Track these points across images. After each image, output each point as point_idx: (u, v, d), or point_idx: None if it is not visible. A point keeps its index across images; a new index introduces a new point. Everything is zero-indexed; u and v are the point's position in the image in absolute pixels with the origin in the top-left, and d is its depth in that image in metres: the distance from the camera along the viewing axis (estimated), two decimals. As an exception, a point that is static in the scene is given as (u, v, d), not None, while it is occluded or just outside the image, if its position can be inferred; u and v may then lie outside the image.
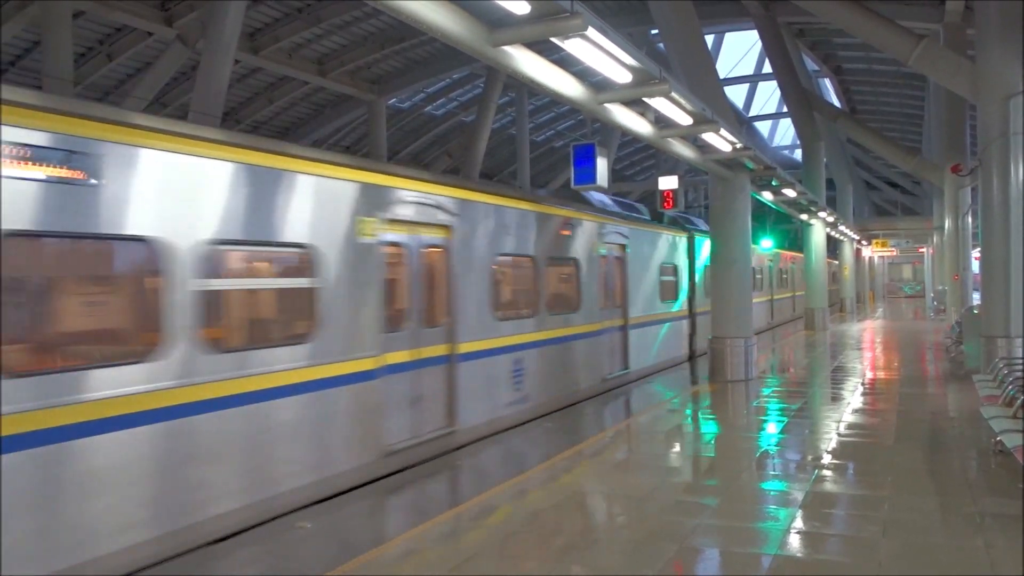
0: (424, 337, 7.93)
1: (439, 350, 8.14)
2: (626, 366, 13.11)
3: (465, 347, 8.49)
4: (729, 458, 8.04)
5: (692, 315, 16.85)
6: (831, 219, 25.12)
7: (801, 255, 30.83)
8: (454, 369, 8.28)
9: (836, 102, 31.80)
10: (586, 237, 11.76)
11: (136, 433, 4.95)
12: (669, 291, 15.52)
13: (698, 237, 17.43)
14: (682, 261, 16.50)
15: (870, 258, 47.49)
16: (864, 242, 39.79)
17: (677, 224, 17.25)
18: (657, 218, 16.46)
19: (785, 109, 31.04)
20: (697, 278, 17.18)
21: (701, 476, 7.46)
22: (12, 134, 4.38)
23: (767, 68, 31.57)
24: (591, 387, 11.65)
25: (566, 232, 11.23)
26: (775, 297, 26.90)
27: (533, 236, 10.32)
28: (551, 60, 7.53)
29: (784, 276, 29.17)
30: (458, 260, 8.52)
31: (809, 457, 7.78)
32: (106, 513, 4.76)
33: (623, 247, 13.16)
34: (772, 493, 6.56)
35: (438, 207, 8.19)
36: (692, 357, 16.71)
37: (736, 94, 42.31)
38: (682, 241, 16.62)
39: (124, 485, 4.86)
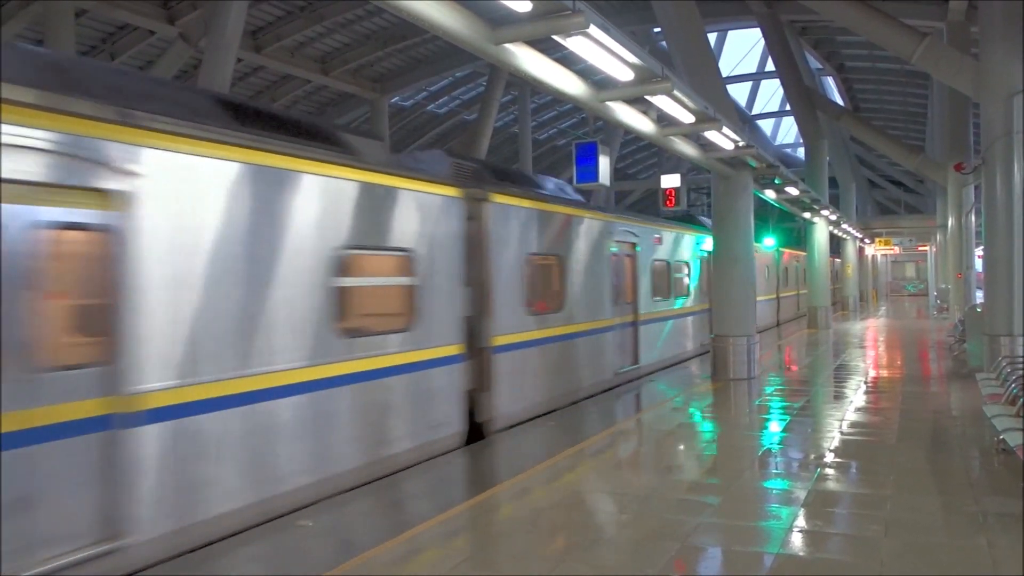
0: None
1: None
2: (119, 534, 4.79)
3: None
4: (731, 456, 8.04)
5: (481, 351, 8.91)
6: (834, 217, 25.07)
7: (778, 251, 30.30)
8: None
9: (839, 100, 31.74)
10: None
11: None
12: (403, 311, 7.63)
13: (503, 202, 9.44)
14: (451, 249, 8.36)
15: (873, 256, 47.43)
16: (867, 240, 39.73)
17: (440, 177, 8.43)
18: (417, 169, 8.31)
19: (788, 107, 30.96)
20: (503, 279, 9.43)
21: (703, 474, 7.45)
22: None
23: (770, 66, 31.54)
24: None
25: None
26: (692, 309, 17.03)
27: None
28: (553, 58, 7.52)
29: None
30: None
31: (811, 456, 7.78)
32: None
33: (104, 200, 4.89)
34: (774, 492, 6.56)
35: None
36: (480, 432, 8.79)
37: (739, 92, 42.34)
38: (441, 207, 8.20)
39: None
